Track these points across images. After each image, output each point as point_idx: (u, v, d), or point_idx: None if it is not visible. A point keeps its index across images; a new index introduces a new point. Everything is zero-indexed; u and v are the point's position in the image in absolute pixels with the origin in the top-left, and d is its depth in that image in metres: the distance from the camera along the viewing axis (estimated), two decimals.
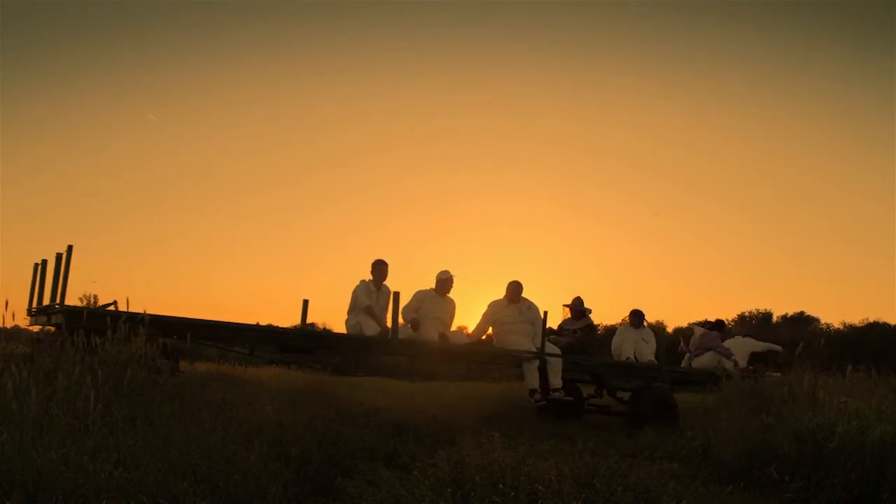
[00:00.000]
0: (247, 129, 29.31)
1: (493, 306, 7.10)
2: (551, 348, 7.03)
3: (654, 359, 7.89)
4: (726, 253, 33.63)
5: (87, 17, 23.63)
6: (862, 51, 23.70)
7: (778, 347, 9.25)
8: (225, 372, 8.87)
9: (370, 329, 6.41)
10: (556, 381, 6.79)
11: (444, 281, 6.97)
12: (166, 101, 27.06)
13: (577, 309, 8.10)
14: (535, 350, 6.78)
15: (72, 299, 5.31)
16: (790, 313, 27.98)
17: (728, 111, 28.05)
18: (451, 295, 7.06)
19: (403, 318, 6.66)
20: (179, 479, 2.79)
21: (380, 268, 6.77)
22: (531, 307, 7.00)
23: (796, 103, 26.96)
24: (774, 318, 28.15)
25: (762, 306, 28.67)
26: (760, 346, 9.30)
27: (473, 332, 7.20)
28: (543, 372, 6.83)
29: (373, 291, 6.64)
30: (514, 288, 7.06)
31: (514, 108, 29.72)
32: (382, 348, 6.34)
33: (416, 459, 4.22)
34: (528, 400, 6.77)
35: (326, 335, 6.70)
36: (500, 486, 2.93)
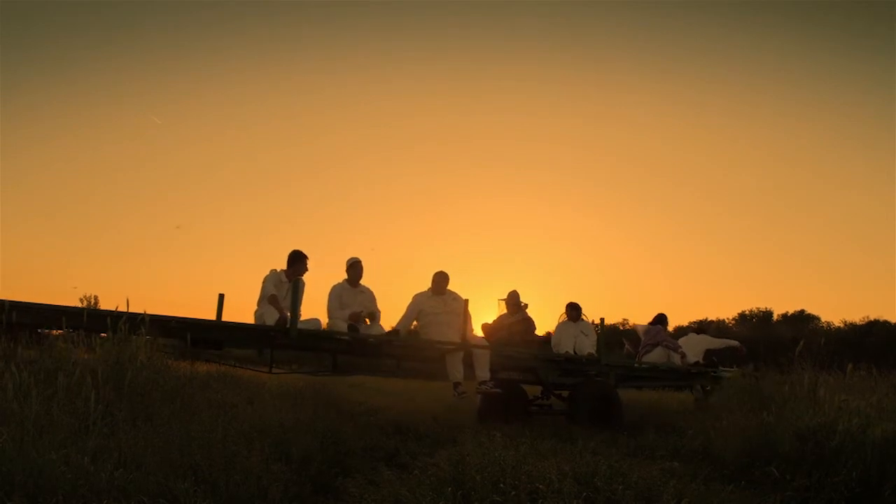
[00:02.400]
0: (248, 131, 29.33)
1: (417, 298, 6.89)
2: (478, 340, 6.84)
3: (594, 352, 7.64)
4: (726, 252, 33.66)
5: (90, 19, 23.61)
6: (862, 51, 23.69)
7: (735, 344, 9.21)
8: (226, 372, 8.87)
9: (272, 320, 6.14)
10: (482, 373, 6.59)
11: (350, 268, 6.74)
12: (169, 103, 27.04)
13: (514, 303, 7.87)
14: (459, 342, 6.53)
15: (73, 300, 5.30)
16: (790, 311, 28.02)
17: (728, 111, 28.07)
18: (368, 283, 6.79)
19: (330, 317, 6.48)
20: (180, 480, 2.78)
21: (297, 260, 6.50)
22: (456, 298, 6.83)
23: (796, 103, 26.98)
24: (775, 317, 28.19)
25: (763, 305, 28.72)
26: (717, 343, 9.28)
27: (397, 324, 6.89)
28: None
29: (283, 283, 6.38)
30: (440, 279, 6.88)
31: (515, 108, 29.72)
32: (282, 340, 6.04)
33: (417, 459, 4.23)
34: (452, 393, 6.59)
35: (213, 325, 6.00)
36: (501, 485, 2.93)
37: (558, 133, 30.40)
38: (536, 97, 28.97)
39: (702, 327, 10.44)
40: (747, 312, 28.78)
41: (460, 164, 31.55)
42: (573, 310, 8.10)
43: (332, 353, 6.80)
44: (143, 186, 29.56)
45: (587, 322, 8.10)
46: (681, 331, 11.50)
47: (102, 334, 4.89)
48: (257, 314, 6.37)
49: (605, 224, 32.73)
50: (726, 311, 30.73)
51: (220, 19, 24.04)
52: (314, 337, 6.26)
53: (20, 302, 5.41)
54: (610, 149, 29.99)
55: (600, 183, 31.59)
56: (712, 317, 28.92)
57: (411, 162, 31.62)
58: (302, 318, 6.39)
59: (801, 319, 27.24)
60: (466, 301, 6.76)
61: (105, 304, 5.42)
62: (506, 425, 5.99)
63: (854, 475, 3.45)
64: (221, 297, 6.12)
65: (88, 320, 5.18)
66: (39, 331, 5.59)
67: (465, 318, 6.69)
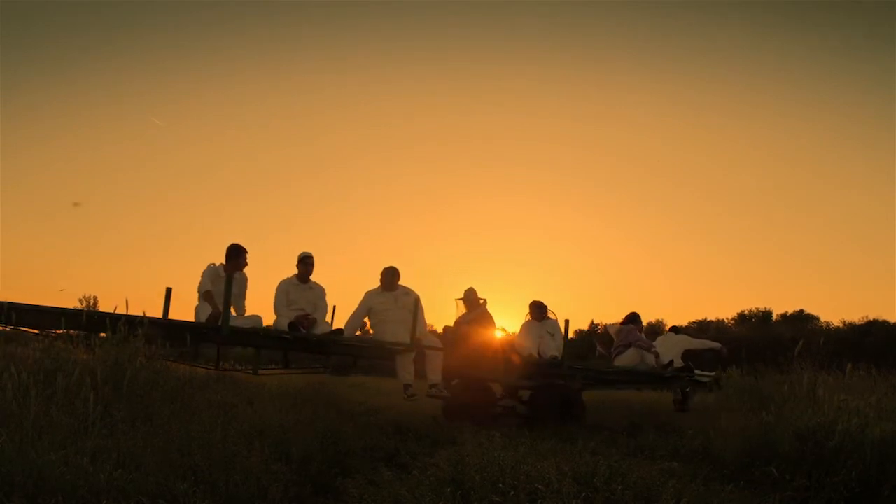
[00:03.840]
0: (248, 131, 29.32)
1: (368, 294, 6.66)
2: (431, 340, 6.64)
3: (558, 355, 7.29)
4: (726, 252, 33.63)
5: (90, 19, 23.63)
6: (862, 51, 23.71)
7: (716, 345, 8.90)
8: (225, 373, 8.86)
9: (205, 315, 6.00)
10: (433, 375, 6.39)
11: (299, 263, 6.52)
12: (169, 103, 27.06)
13: (471, 300, 7.53)
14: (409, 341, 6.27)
15: (65, 301, 5.31)
16: (790, 312, 27.98)
17: (728, 111, 28.05)
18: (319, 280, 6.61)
19: (276, 314, 6.33)
20: (180, 480, 2.78)
21: (236, 254, 6.32)
22: (408, 293, 6.58)
23: (796, 103, 26.96)
24: (774, 317, 28.16)
25: (762, 305, 28.69)
26: (696, 343, 8.97)
27: (347, 323, 6.65)
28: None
29: (221, 277, 6.15)
30: (389, 274, 6.62)
31: (515, 108, 29.72)
32: (214, 337, 5.87)
33: (417, 459, 4.23)
34: (403, 394, 6.39)
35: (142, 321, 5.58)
36: (500, 485, 2.93)
37: (558, 133, 30.35)
38: (536, 97, 28.93)
39: (677, 328, 9.91)
40: (747, 312, 28.80)
41: (460, 164, 31.50)
42: (537, 309, 7.73)
43: (284, 350, 6.70)
44: (143, 187, 29.53)
45: (554, 321, 7.71)
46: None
47: (102, 334, 4.89)
48: (196, 310, 6.25)
49: (605, 224, 32.68)
50: (726, 311, 30.72)
51: (220, 19, 24.04)
52: (248, 334, 6.10)
53: (20, 303, 5.41)
54: (610, 149, 29.95)
55: (600, 183, 31.54)
56: (712, 317, 28.96)
57: (411, 162, 31.58)
58: (247, 314, 6.34)
59: (801, 319, 27.20)
60: (417, 298, 6.49)
61: (104, 305, 5.41)
62: (470, 424, 5.88)
63: (853, 475, 3.45)
64: (169, 291, 5.84)
65: (87, 322, 5.18)
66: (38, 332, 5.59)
67: (416, 315, 6.35)
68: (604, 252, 33.63)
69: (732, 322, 28.43)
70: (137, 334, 4.55)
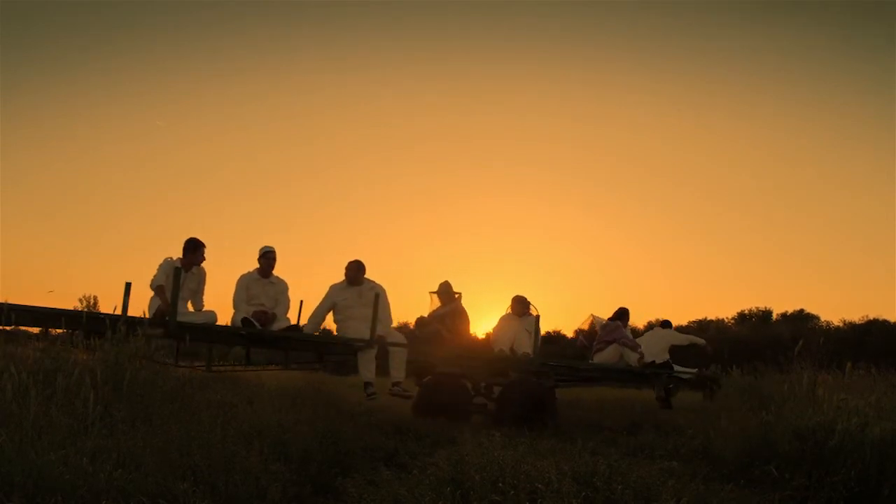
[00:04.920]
0: (248, 131, 29.27)
1: (332, 289, 6.49)
2: (395, 336, 6.46)
3: (530, 352, 7.10)
4: (726, 251, 33.57)
5: (90, 19, 23.64)
6: (862, 51, 23.68)
7: (701, 341, 8.83)
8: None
9: (153, 310, 5.90)
10: (396, 373, 6.25)
11: (261, 258, 6.33)
12: (169, 103, 27.04)
13: (445, 293, 7.34)
14: (372, 337, 6.08)
15: (72, 301, 5.31)
16: (790, 311, 27.96)
17: (728, 110, 27.99)
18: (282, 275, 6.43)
19: (235, 308, 6.22)
20: (179, 480, 2.78)
21: (194, 248, 6.17)
22: (373, 288, 6.39)
23: (796, 103, 26.90)
24: (774, 316, 28.13)
25: (762, 304, 28.67)
26: (681, 339, 8.86)
27: (309, 317, 6.49)
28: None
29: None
30: (353, 268, 6.42)
31: (515, 108, 29.68)
32: (161, 331, 5.66)
33: (417, 459, 4.23)
34: (364, 393, 6.28)
35: (89, 316, 5.49)
36: (500, 484, 2.93)
37: (558, 133, 30.28)
38: (536, 97, 28.83)
39: (667, 322, 9.71)
40: (747, 312, 28.75)
41: (460, 164, 31.39)
42: (519, 304, 7.48)
43: (246, 346, 6.71)
44: (143, 186, 29.49)
45: (533, 318, 7.41)
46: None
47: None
48: (149, 304, 6.11)
49: (605, 224, 32.59)
50: (726, 310, 30.66)
51: (220, 19, 23.99)
52: (199, 330, 5.99)
53: (19, 305, 5.41)
54: (610, 149, 29.84)
55: (600, 183, 31.43)
56: (712, 316, 28.94)
57: (411, 162, 31.49)
58: (204, 310, 6.27)
59: (801, 319, 27.15)
60: (377, 294, 6.24)
61: (104, 306, 5.41)
62: (443, 422, 5.79)
63: (853, 474, 3.46)
64: (128, 285, 5.66)
65: (87, 322, 5.18)
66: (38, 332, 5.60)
67: (376, 310, 6.14)
68: (604, 252, 33.56)
69: (732, 321, 28.41)
70: (137, 334, 4.55)
